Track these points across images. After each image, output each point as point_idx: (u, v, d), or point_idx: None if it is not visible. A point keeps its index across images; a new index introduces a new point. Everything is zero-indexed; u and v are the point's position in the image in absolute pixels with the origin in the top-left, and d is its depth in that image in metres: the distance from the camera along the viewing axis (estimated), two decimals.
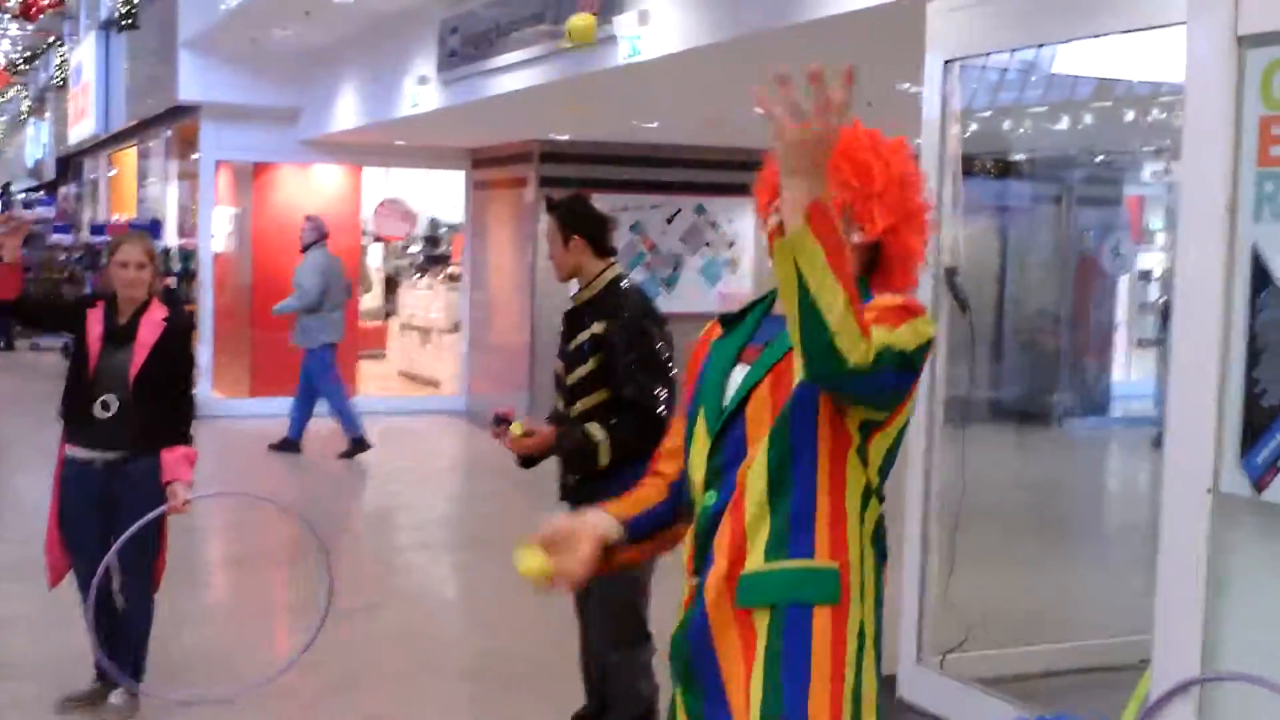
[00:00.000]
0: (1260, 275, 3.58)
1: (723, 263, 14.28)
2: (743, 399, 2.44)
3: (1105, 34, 4.68)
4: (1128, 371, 16.58)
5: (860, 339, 2.21)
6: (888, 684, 5.79)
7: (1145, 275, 15.58)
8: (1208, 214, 3.67)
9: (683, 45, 7.20)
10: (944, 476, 5.80)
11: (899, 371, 2.31)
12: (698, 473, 2.51)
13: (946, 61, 5.53)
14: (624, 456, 4.25)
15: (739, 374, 2.50)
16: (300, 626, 6.49)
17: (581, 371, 4.58)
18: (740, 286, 14.52)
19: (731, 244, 14.38)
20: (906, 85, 7.44)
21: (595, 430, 4.40)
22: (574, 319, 4.71)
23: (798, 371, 2.35)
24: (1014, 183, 16.28)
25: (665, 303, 13.88)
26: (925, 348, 2.37)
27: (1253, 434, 3.60)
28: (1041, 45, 5.25)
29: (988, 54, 5.68)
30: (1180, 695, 3.70)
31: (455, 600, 8.11)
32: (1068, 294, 15.68)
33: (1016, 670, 6.03)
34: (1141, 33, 4.51)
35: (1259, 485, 3.58)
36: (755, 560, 2.40)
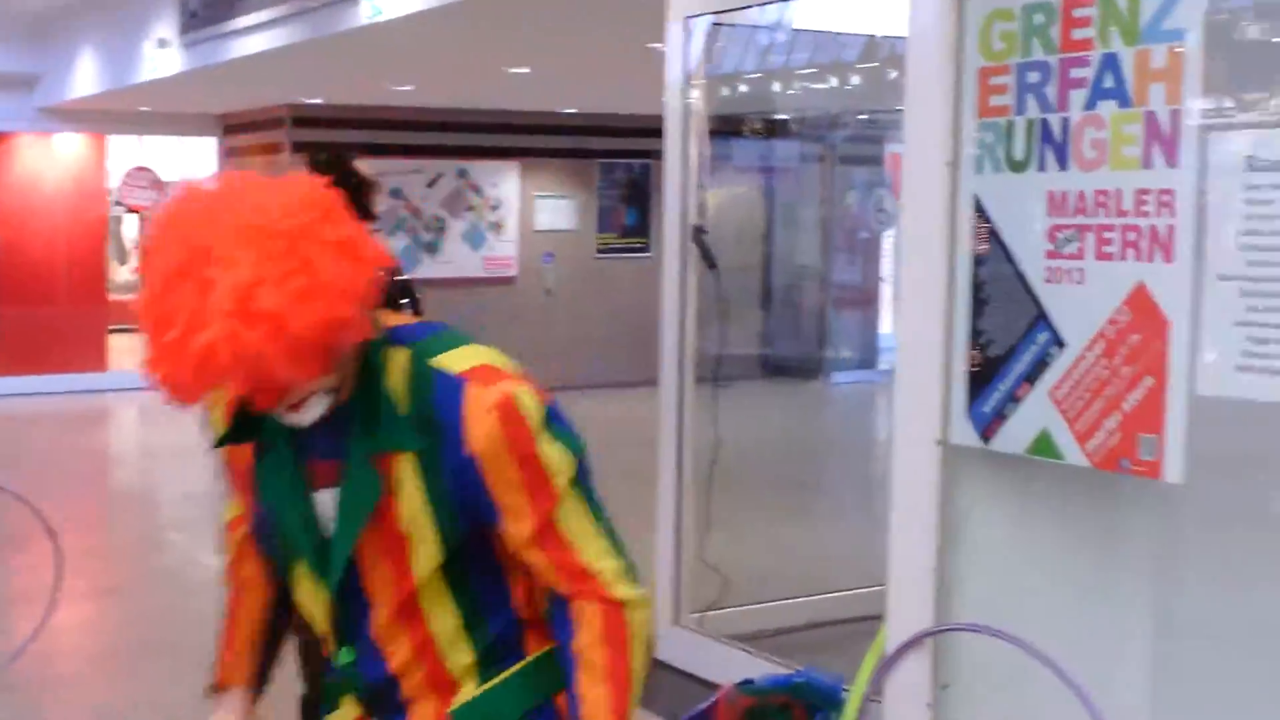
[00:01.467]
0: (982, 226, 3.61)
1: (487, 227, 14.12)
2: (355, 542, 2.07)
3: None
4: (894, 324, 16.88)
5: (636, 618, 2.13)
6: None
7: None
8: (930, 167, 3.68)
9: (425, 5, 7.03)
10: (700, 435, 5.80)
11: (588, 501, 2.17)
12: (319, 622, 2.19)
13: (687, 18, 5.49)
14: None
15: (325, 500, 2.09)
16: (33, 615, 6.18)
17: None
18: (506, 251, 14.39)
19: (495, 208, 14.23)
20: (658, 45, 7.42)
21: None
22: None
23: (410, 496, 2.05)
24: (780, 143, 16.54)
25: (429, 268, 13.82)
26: (580, 450, 2.15)
27: (979, 384, 3.63)
28: (774, 1, 5.24)
29: (726, 10, 5.66)
30: (915, 648, 3.73)
31: (208, 583, 7.84)
32: (833, 251, 16.00)
33: (777, 625, 6.10)
34: None
35: (985, 435, 3.62)
36: (469, 689, 2.15)
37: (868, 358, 15.37)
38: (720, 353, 6.14)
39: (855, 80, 15.17)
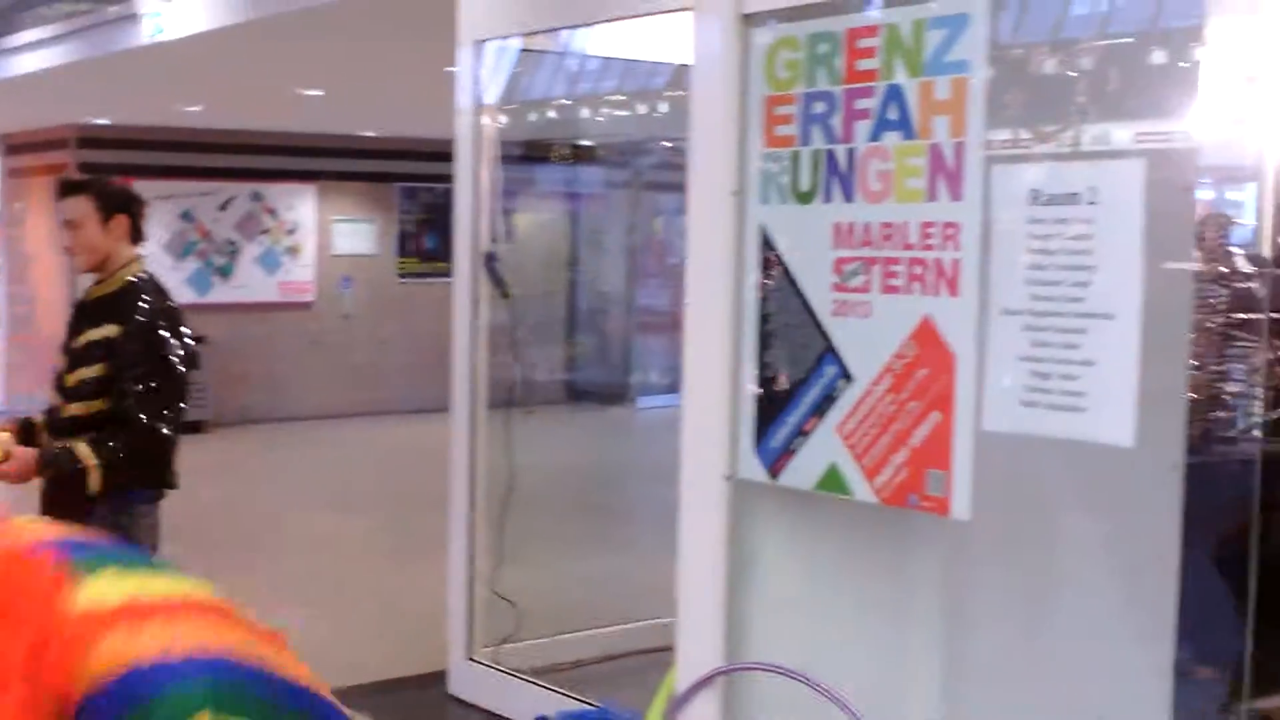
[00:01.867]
0: (769, 257, 3.54)
1: (283, 251, 13.74)
2: None
3: (619, 18, 4.58)
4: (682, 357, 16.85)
5: None
6: (437, 680, 5.64)
7: None
8: (716, 196, 3.60)
9: (208, 25, 6.76)
10: (496, 463, 5.64)
11: None
12: None
13: (476, 41, 5.35)
14: (118, 481, 3.79)
15: None
16: None
17: (87, 373, 4.08)
18: (303, 275, 14.02)
19: (292, 231, 13.85)
20: (454, 69, 7.26)
21: (85, 453, 3.83)
22: (86, 314, 4.20)
23: None
24: (587, 169, 16.39)
25: (222, 293, 13.39)
26: None
27: (767, 418, 3.55)
28: (563, 28, 5.14)
29: (516, 35, 5.53)
30: (705, 686, 3.63)
31: None
32: (640, 277, 15.95)
33: (573, 657, 5.95)
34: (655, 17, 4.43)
35: (774, 470, 3.54)
36: None
37: (673, 383, 15.29)
38: (519, 379, 6.00)
39: (662, 108, 15.17)
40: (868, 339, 3.32)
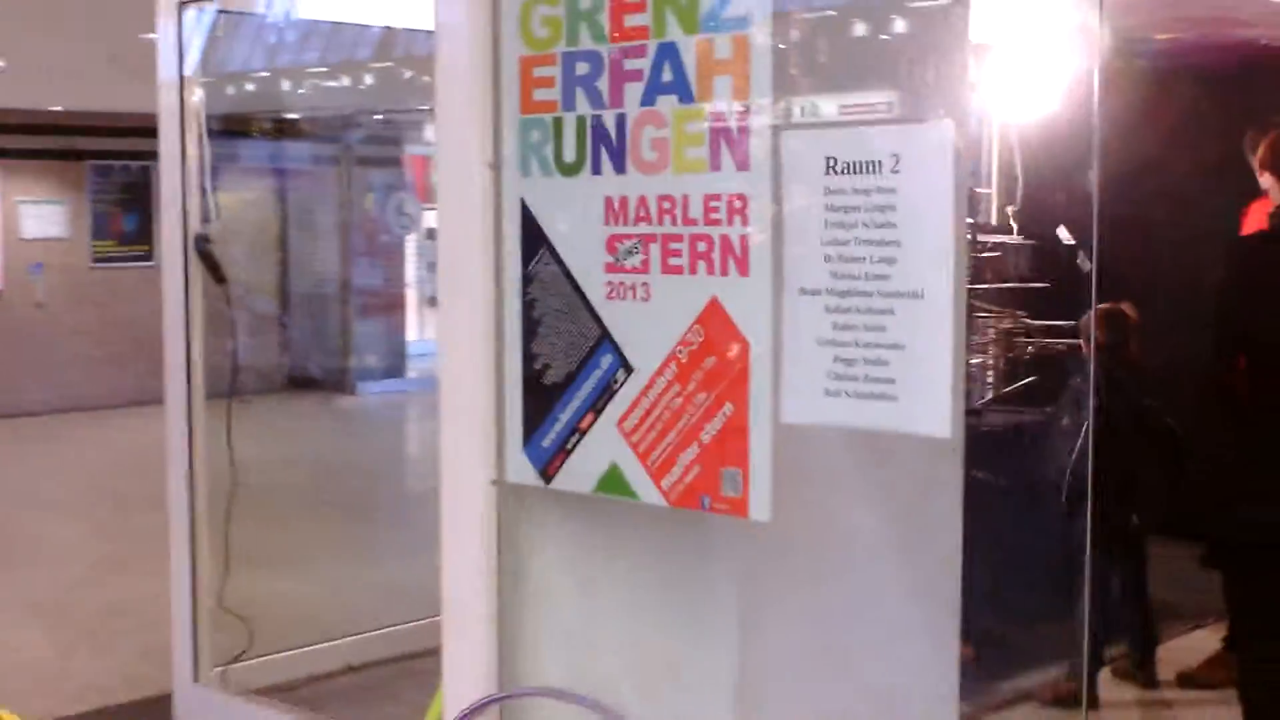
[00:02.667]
0: (533, 236, 3.18)
1: None
2: None
3: None
4: (421, 331, 16.52)
5: None
6: (160, 705, 5.12)
7: (433, 234, 15.45)
8: (468, 169, 3.21)
9: None
10: (217, 459, 5.12)
11: None
12: None
13: (179, 4, 4.80)
14: None
15: None
16: None
17: None
18: None
19: None
20: (151, 35, 6.65)
21: None
22: None
23: None
24: (293, 144, 15.69)
25: None
26: None
27: (536, 415, 3.20)
28: None
29: None
30: (477, 716, 3.26)
31: None
32: (355, 256, 15.36)
33: (311, 671, 5.51)
34: None
35: (547, 472, 3.19)
36: None
37: (396, 366, 14.85)
38: (237, 366, 5.48)
39: (370, 79, 14.61)
40: (648, 325, 2.99)
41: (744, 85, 2.81)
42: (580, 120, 3.06)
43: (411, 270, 16.36)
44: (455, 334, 3.31)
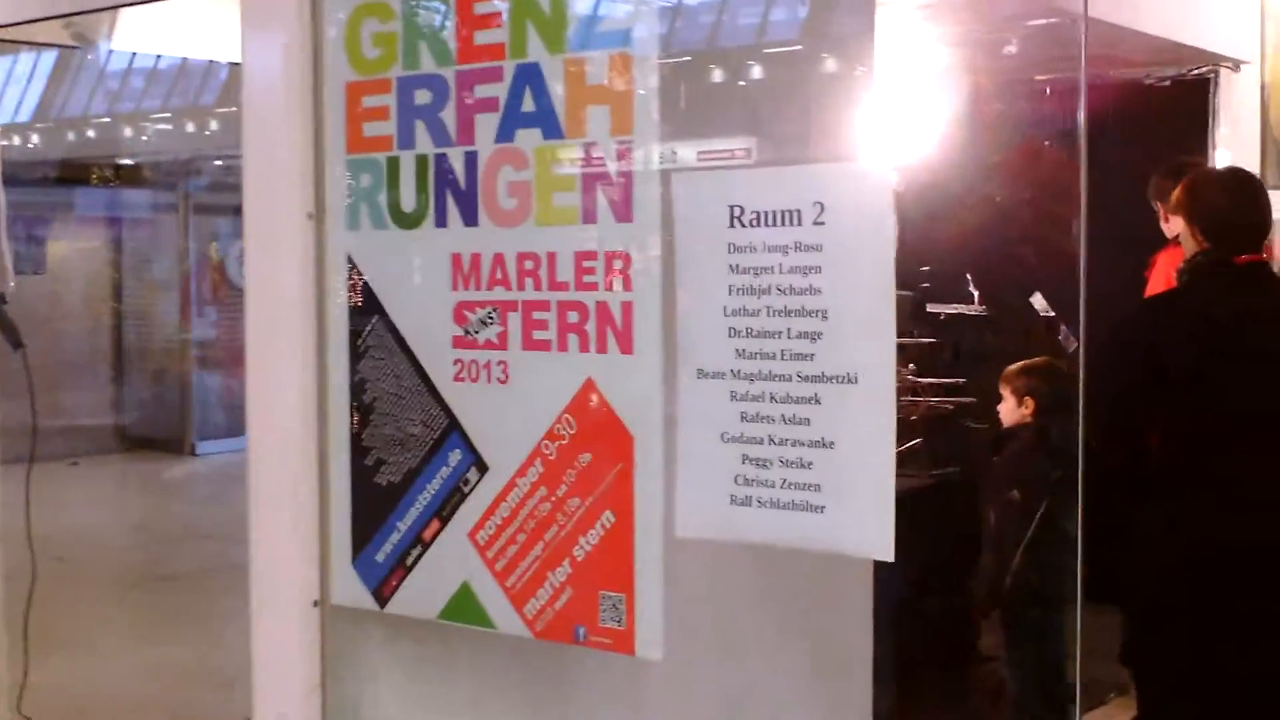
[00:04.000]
0: (363, 302, 2.56)
1: None
2: None
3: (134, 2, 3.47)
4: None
5: None
6: None
7: None
8: (282, 222, 2.59)
9: None
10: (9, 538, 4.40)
11: None
12: None
13: None
14: None
15: None
16: None
17: None
18: None
19: None
20: None
21: None
22: None
23: None
24: (132, 191, 14.91)
25: None
26: None
27: (368, 523, 2.57)
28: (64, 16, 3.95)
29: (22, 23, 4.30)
30: None
31: None
32: (197, 306, 14.58)
33: None
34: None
35: (381, 593, 2.56)
36: None
37: (239, 423, 13.96)
38: (36, 432, 4.78)
39: (214, 123, 13.88)
40: (507, 413, 2.39)
41: (625, 116, 2.23)
42: (421, 160, 2.46)
43: None
44: (268, 422, 2.67)
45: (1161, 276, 5.04)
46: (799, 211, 2.07)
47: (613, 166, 2.25)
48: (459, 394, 2.44)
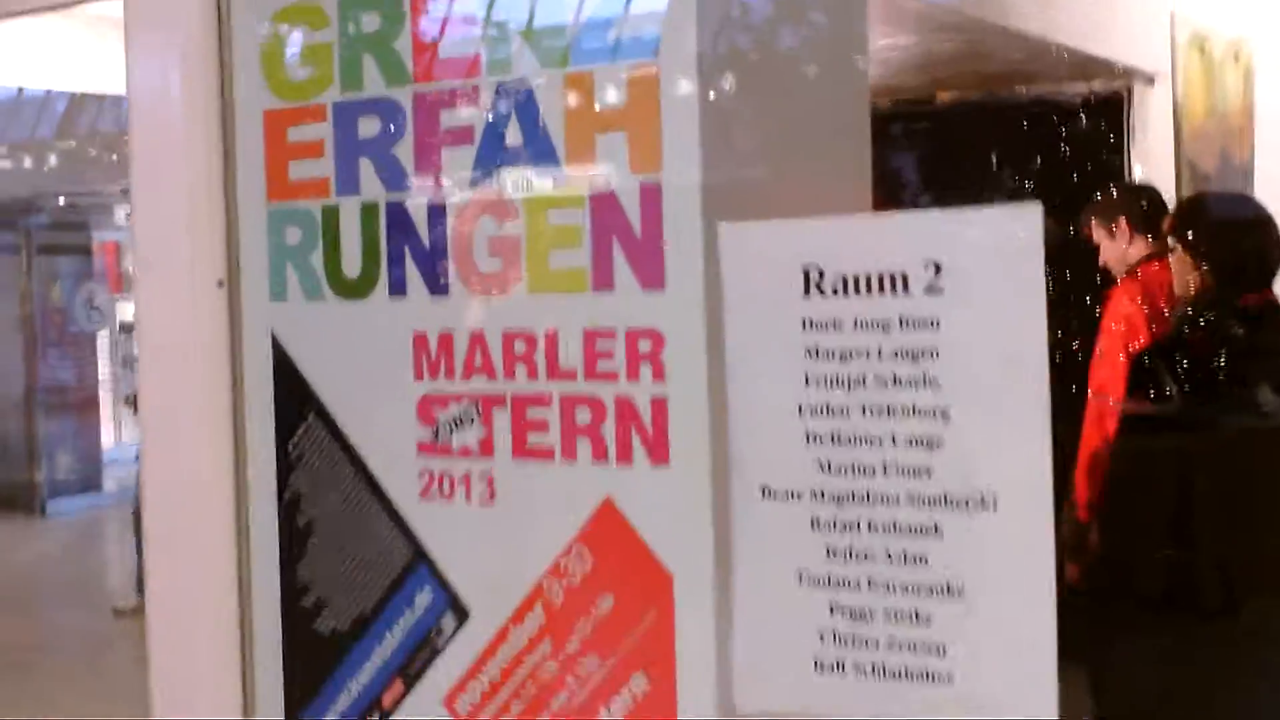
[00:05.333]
0: (293, 395, 1.98)
1: None
2: None
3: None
4: (118, 434, 14.84)
5: None
6: None
7: (128, 328, 13.91)
8: (183, 292, 1.99)
9: None
10: None
11: None
12: None
13: None
14: None
15: None
16: None
17: None
18: None
19: None
20: None
21: None
22: None
23: None
24: None
25: None
26: None
27: (308, 682, 1.98)
28: None
29: None
30: None
31: None
32: (43, 350, 13.74)
33: None
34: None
35: None
36: None
37: (91, 477, 13.12)
38: None
39: (53, 158, 13.05)
40: (493, 542, 1.82)
41: (651, 146, 1.68)
42: (368, 210, 1.89)
43: (105, 367, 14.76)
44: (168, 553, 2.06)
45: (1124, 315, 4.61)
46: (905, 275, 1.54)
47: (635, 214, 1.69)
48: (427, 516, 1.86)
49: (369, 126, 1.88)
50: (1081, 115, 5.24)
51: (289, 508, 1.97)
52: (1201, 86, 5.24)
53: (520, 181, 1.77)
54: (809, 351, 1.59)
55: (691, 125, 1.65)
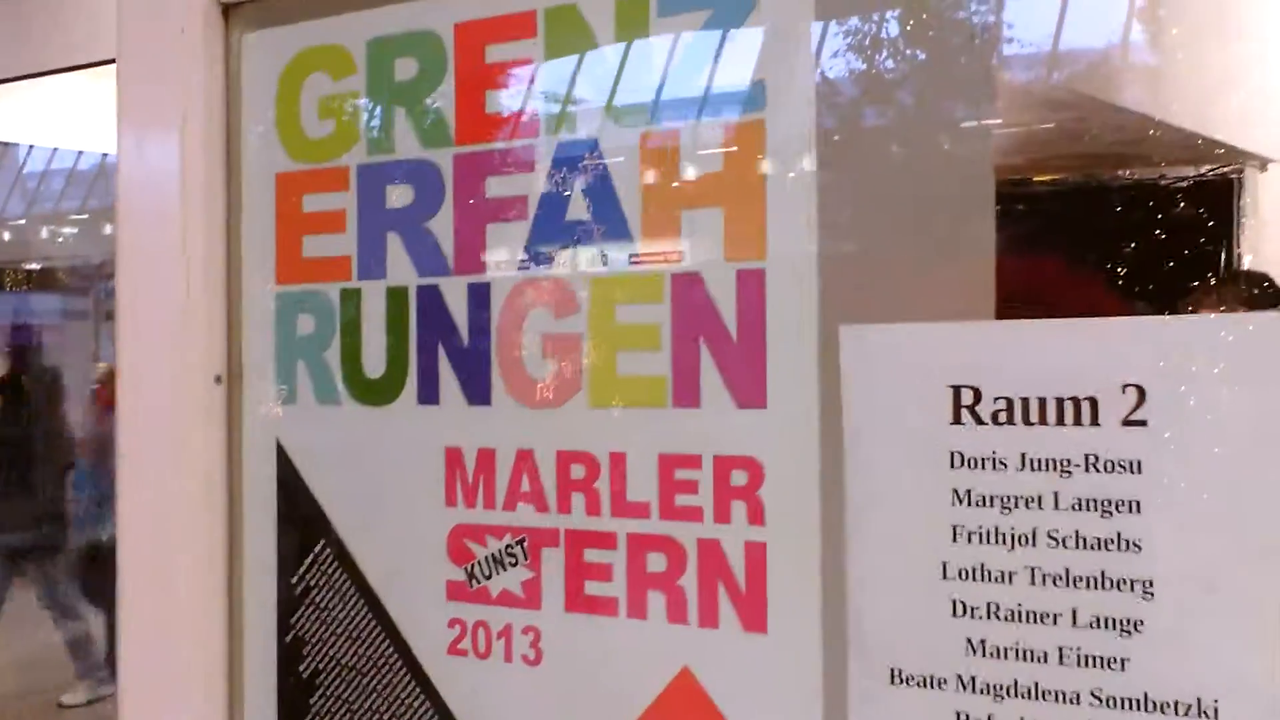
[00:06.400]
0: (302, 518, 1.57)
1: None
2: None
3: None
4: None
5: None
6: None
7: None
8: (175, 390, 1.60)
9: None
10: None
11: None
12: None
13: None
14: None
15: None
16: None
17: None
18: None
19: None
20: None
21: None
22: None
23: None
24: (41, 296, 14.06)
25: None
26: None
27: None
28: None
29: None
30: None
31: None
32: (99, 419, 13.60)
33: None
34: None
35: None
36: None
37: None
38: None
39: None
40: (539, 712, 1.40)
41: (753, 226, 1.28)
42: (396, 296, 1.50)
43: None
44: (148, 709, 1.65)
45: None
46: (1094, 400, 1.12)
47: (730, 311, 1.29)
48: (456, 674, 1.45)
49: (400, 195, 1.49)
50: (1187, 200, 4.81)
51: (290, 653, 1.56)
52: None
53: (584, 266, 1.37)
54: (958, 495, 1.17)
55: (807, 201, 1.25)
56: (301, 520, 1.56)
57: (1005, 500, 1.15)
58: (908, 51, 1.43)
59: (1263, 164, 4.61)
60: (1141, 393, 1.10)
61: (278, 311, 1.57)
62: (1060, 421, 1.14)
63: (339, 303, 1.53)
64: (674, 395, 1.32)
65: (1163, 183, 4.91)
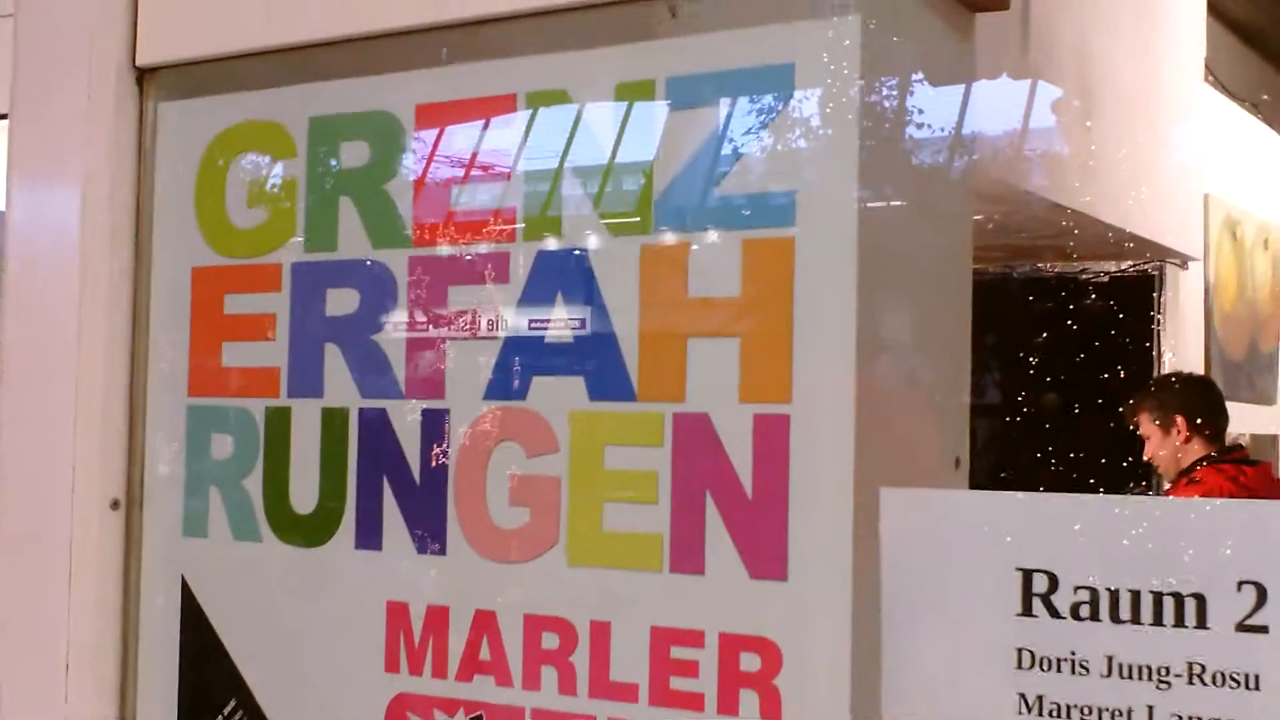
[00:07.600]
0: (211, 675, 1.30)
1: None
2: None
3: None
4: None
5: None
6: None
7: None
8: (64, 516, 1.32)
9: None
10: None
11: None
12: None
13: None
14: None
15: None
16: None
17: None
18: None
19: None
20: None
21: None
22: None
23: None
24: None
25: None
26: None
27: None
28: None
29: None
30: None
31: None
32: None
33: None
34: None
35: None
36: None
37: None
38: None
39: None
40: None
41: (777, 361, 1.05)
42: (334, 419, 1.24)
43: None
44: None
45: None
46: (1202, 597, 0.90)
47: (745, 461, 1.05)
48: None
49: (343, 301, 1.23)
50: (1110, 293, 4.72)
51: None
52: (1233, 270, 4.74)
53: (566, 398, 1.12)
54: (1026, 702, 0.95)
55: (844, 331, 1.02)
56: (209, 675, 1.29)
57: (1085, 712, 0.93)
58: (919, 160, 1.23)
59: (1183, 261, 4.52)
60: (1262, 592, 0.89)
61: (189, 428, 1.31)
62: (1158, 621, 0.92)
63: (264, 422, 1.27)
64: (672, 558, 1.08)
65: (1088, 275, 4.81)
